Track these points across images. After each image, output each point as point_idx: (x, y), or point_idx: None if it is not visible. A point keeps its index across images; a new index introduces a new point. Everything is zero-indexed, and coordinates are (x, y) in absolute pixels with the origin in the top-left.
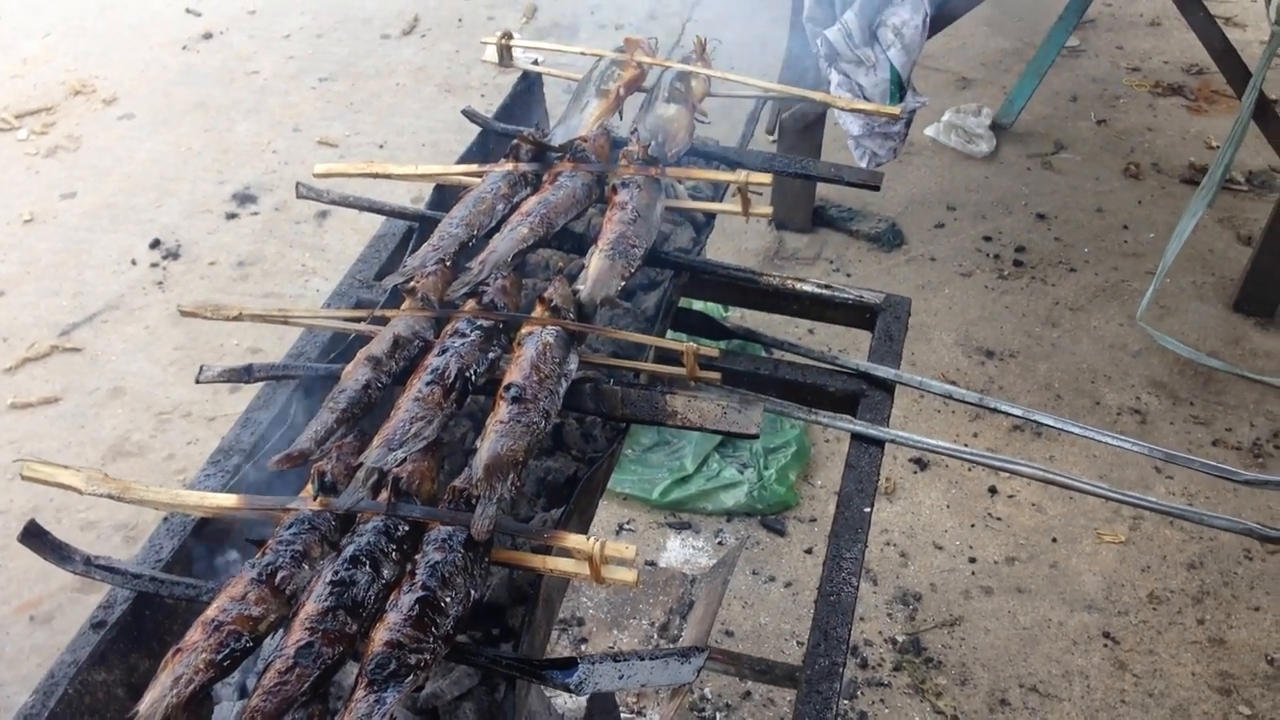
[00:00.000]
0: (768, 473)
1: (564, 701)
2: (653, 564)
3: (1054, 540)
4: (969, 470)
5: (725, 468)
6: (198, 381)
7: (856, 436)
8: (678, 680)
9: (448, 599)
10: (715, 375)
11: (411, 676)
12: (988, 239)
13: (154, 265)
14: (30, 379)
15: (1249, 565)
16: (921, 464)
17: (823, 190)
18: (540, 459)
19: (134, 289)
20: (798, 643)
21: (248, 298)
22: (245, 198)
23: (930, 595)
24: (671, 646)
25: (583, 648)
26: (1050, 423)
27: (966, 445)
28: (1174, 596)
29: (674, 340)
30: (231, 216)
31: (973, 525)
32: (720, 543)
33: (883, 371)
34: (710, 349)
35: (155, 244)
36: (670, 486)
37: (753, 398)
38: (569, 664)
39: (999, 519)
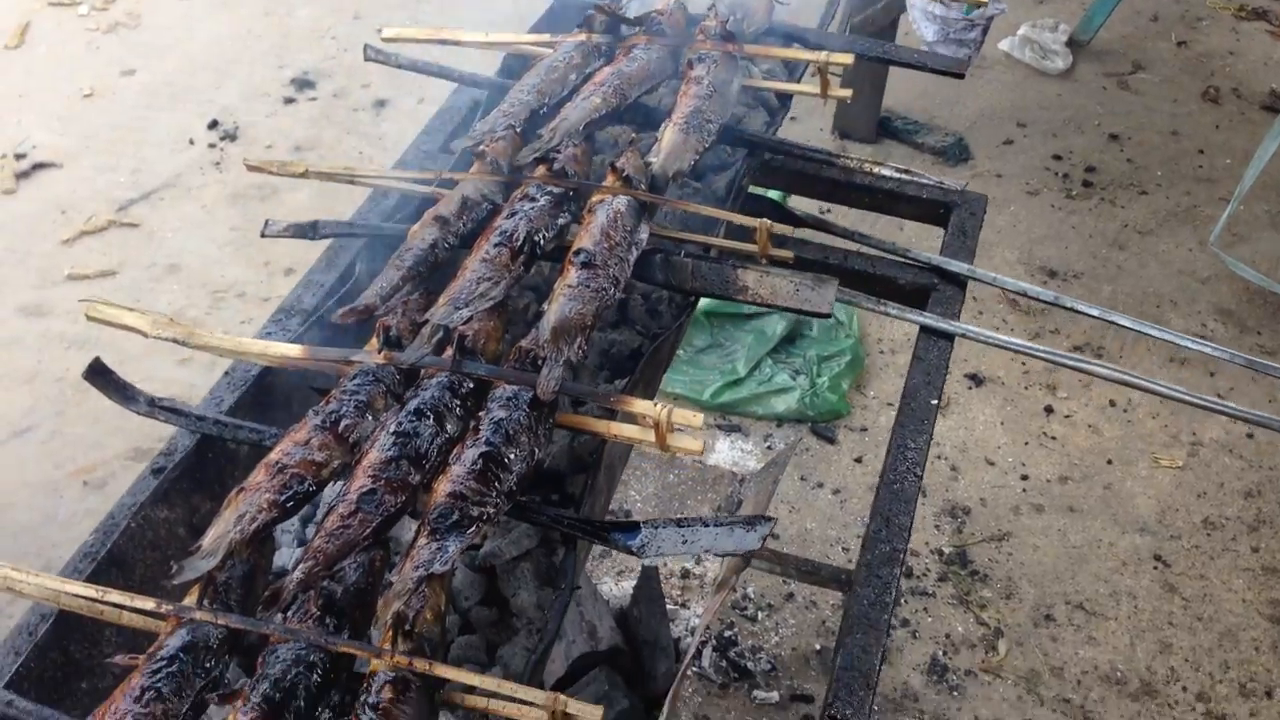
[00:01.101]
0: (820, 380)
1: (609, 589)
2: (700, 463)
3: (1109, 462)
4: (1025, 389)
5: (778, 373)
6: (264, 235)
7: (926, 330)
8: (742, 547)
9: (511, 455)
10: (788, 254)
11: (474, 528)
12: (1057, 158)
13: (211, 146)
14: (87, 252)
15: None
16: (977, 380)
17: (889, 101)
18: (604, 331)
19: (191, 168)
20: (843, 549)
21: (302, 181)
22: (304, 83)
23: (979, 510)
24: (736, 515)
25: None
26: (1128, 324)
27: (1026, 363)
28: (1229, 524)
29: (746, 216)
30: (289, 101)
31: (1026, 443)
32: (769, 447)
33: (956, 266)
34: (784, 227)
35: (213, 125)
36: (721, 389)
37: (826, 277)
38: (632, 527)
39: (1053, 438)
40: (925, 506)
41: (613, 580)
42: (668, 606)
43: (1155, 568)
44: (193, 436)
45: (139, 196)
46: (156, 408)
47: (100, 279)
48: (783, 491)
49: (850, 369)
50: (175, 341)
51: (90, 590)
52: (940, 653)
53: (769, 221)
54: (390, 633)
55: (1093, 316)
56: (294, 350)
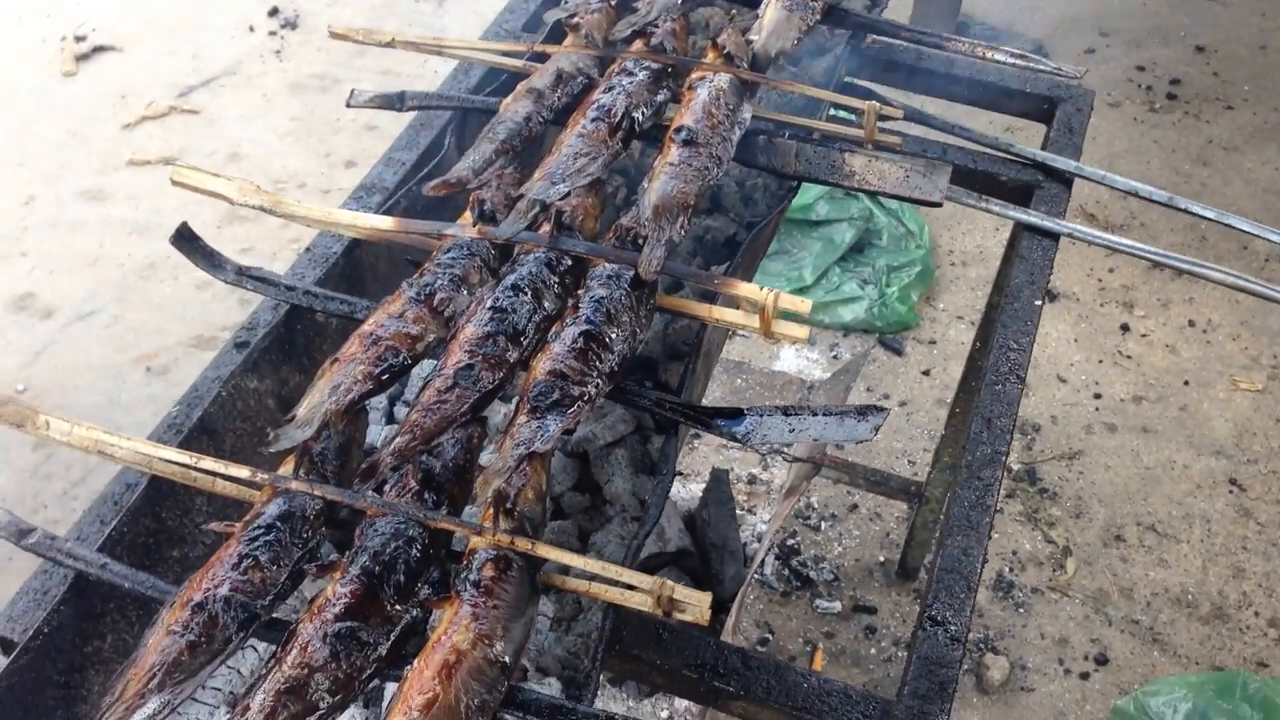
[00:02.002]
0: (889, 290)
1: (676, 491)
2: (767, 369)
3: (1186, 383)
4: (1100, 306)
5: (845, 281)
6: (349, 105)
7: (1029, 228)
8: (854, 437)
9: (612, 335)
10: (895, 139)
11: (574, 407)
12: (1140, 69)
13: (272, 34)
14: (148, 137)
15: None
16: (1051, 295)
17: (967, 6)
18: (698, 218)
19: (252, 56)
20: (909, 461)
21: (365, 73)
22: None
23: (1050, 427)
24: (847, 405)
25: (695, 444)
26: (1246, 227)
27: (1103, 280)
28: None
29: (853, 99)
30: None
31: (1100, 361)
32: (835, 357)
33: (1062, 163)
34: (893, 109)
35: (273, 12)
36: None
37: (939, 163)
38: (736, 413)
39: (1129, 357)
40: None
41: (680, 483)
42: (738, 513)
43: (1230, 491)
44: (278, 310)
45: (199, 83)
46: (245, 276)
47: (161, 165)
48: (848, 402)
49: (920, 280)
50: (262, 209)
51: (184, 456)
52: (1007, 569)
53: (877, 104)
54: (491, 510)
55: (1209, 218)
56: (385, 222)
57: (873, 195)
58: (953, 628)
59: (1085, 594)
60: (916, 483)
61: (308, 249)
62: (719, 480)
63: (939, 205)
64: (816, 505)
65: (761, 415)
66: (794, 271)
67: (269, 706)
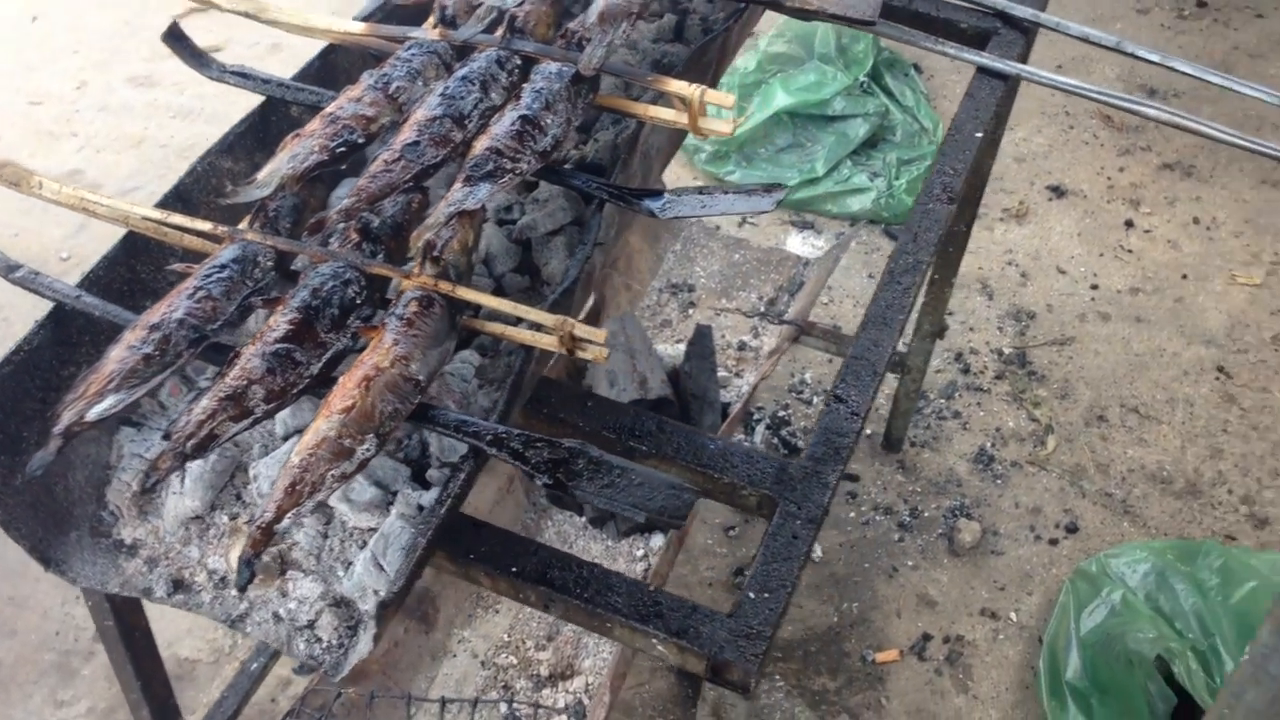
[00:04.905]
0: (898, 182)
1: (665, 350)
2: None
3: (1184, 276)
4: (1107, 203)
5: (856, 174)
6: None
7: (982, 70)
8: (757, 209)
9: (548, 120)
10: None
11: (506, 178)
12: None
13: None
14: (196, 28)
15: None
16: (1058, 191)
17: None
18: (658, 43)
19: None
20: (905, 345)
21: None
22: None
23: (1045, 315)
24: (755, 183)
25: (690, 312)
26: (1192, 71)
27: (1112, 178)
28: None
29: None
30: None
31: (1101, 255)
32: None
33: (1020, 10)
34: None
35: None
36: (799, 186)
37: None
38: (657, 193)
39: (1130, 251)
40: (991, 309)
41: (669, 345)
42: (723, 374)
43: (1217, 378)
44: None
45: None
46: (227, 72)
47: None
48: (850, 288)
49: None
50: (246, 15)
51: (156, 213)
52: (989, 444)
53: None
54: (420, 258)
55: (1153, 62)
56: (357, 27)
57: (882, 86)
58: (853, 404)
59: (1063, 469)
60: (900, 353)
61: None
62: (702, 335)
63: (872, 24)
64: (809, 380)
65: (679, 194)
66: (806, 164)
67: (211, 409)
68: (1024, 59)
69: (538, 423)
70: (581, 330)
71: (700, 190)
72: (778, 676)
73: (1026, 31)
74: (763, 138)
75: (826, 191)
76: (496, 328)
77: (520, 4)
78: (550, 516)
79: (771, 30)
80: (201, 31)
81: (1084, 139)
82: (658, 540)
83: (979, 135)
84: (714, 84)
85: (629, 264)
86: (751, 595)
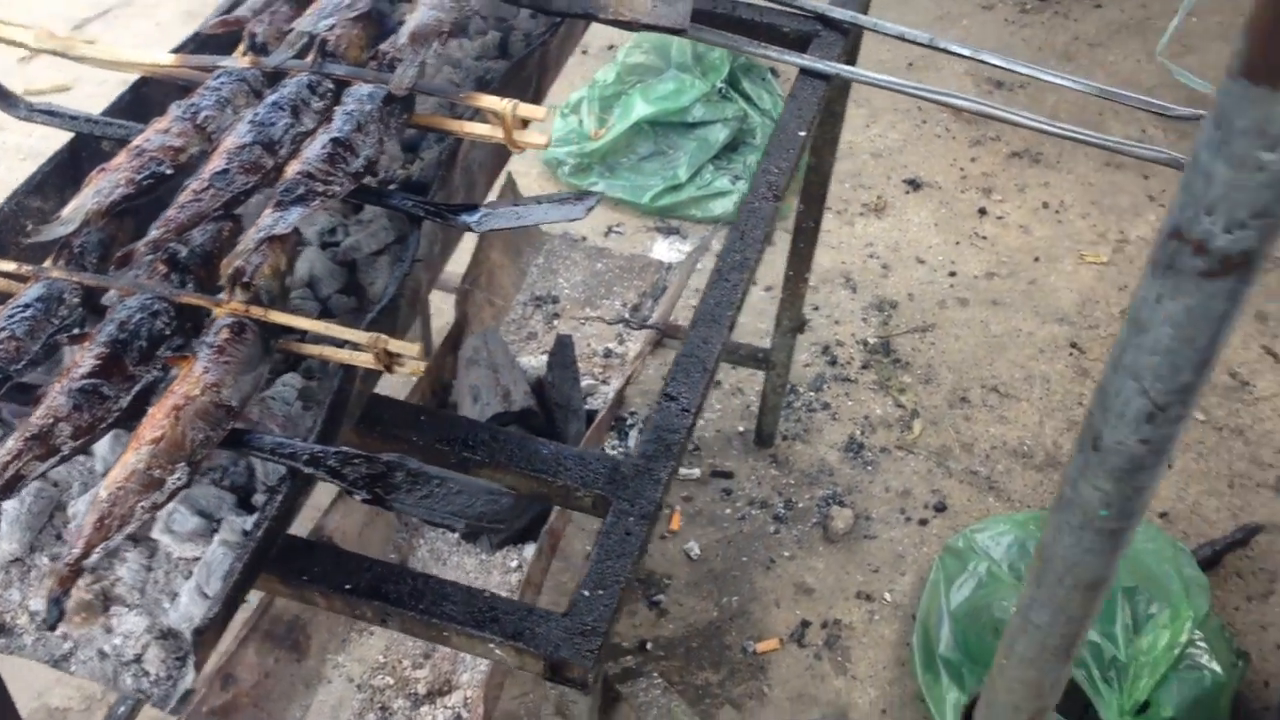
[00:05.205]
0: None
1: (529, 362)
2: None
3: (1036, 259)
4: (961, 192)
5: (718, 178)
6: None
7: (804, 71)
8: (570, 217)
9: (360, 141)
10: None
11: (317, 201)
12: None
13: None
14: (44, 68)
15: None
16: (914, 184)
17: None
18: (481, 60)
19: None
20: (768, 341)
21: None
22: None
23: (906, 303)
24: (568, 191)
25: (555, 323)
26: (999, 63)
27: (965, 169)
28: None
29: None
30: None
31: (957, 243)
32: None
33: (839, 13)
34: None
35: None
36: (662, 193)
37: None
38: (473, 207)
39: (984, 238)
40: (855, 301)
41: (535, 357)
42: (590, 382)
43: (1070, 354)
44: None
45: (95, 15)
46: (34, 111)
47: (54, 93)
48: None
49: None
50: (56, 54)
51: None
52: (858, 432)
53: None
54: (229, 285)
55: (965, 55)
56: (168, 58)
57: (740, 91)
58: (684, 401)
59: (929, 450)
60: (765, 349)
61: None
62: (563, 345)
63: (683, 31)
64: None
65: (494, 207)
66: (669, 171)
67: (16, 450)
68: (852, 59)
69: (372, 441)
70: (395, 345)
71: (515, 202)
72: (656, 675)
73: (846, 32)
74: (625, 148)
75: (690, 197)
76: (314, 349)
77: (331, 28)
78: (423, 535)
79: (629, 42)
80: (51, 71)
81: (936, 132)
82: (531, 550)
83: (802, 134)
84: (539, 97)
85: (491, 280)
86: (586, 593)
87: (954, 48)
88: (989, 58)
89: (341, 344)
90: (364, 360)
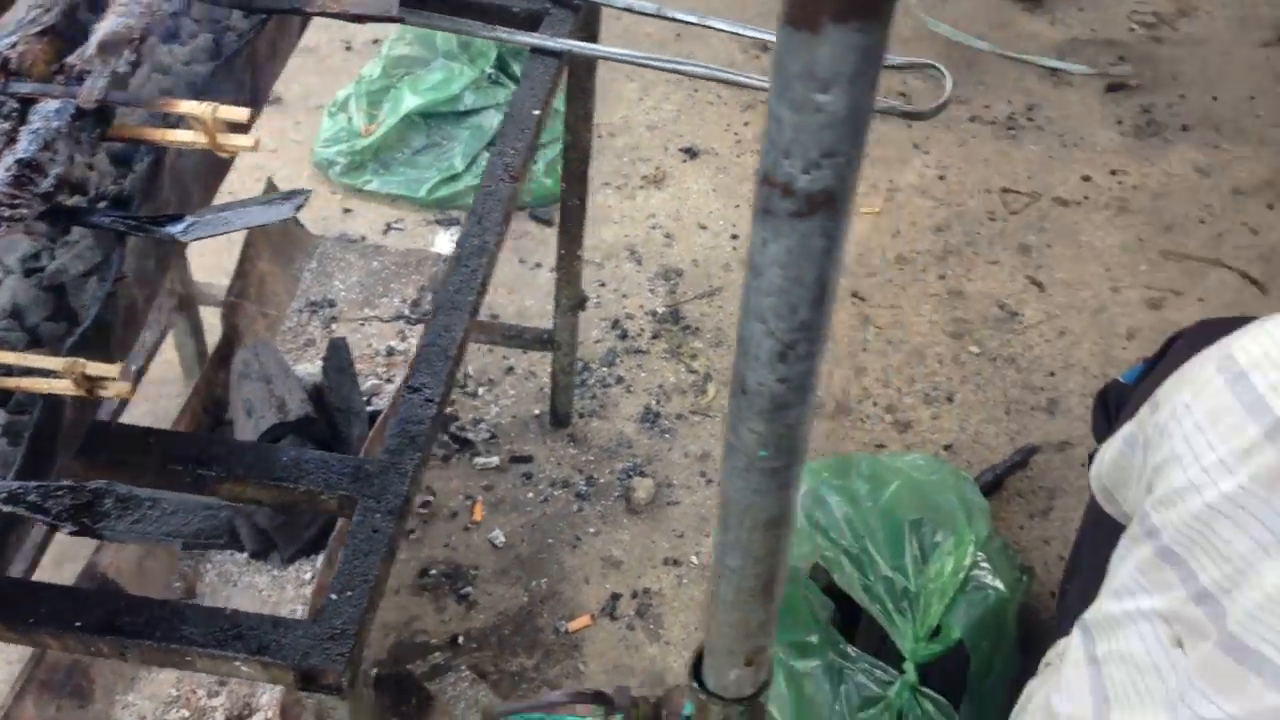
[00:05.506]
0: (536, 166)
1: (309, 368)
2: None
3: None
4: (737, 157)
5: None
6: None
7: (535, 50)
8: (279, 216)
9: (48, 160)
10: None
11: (5, 226)
12: None
13: None
14: None
15: (991, 225)
16: (691, 153)
17: None
18: (189, 64)
19: None
20: (554, 321)
21: None
22: None
23: (692, 270)
24: (278, 193)
25: (333, 327)
26: (722, 26)
27: (739, 133)
28: (920, 257)
29: None
30: None
31: (737, 206)
32: None
33: None
34: None
35: None
36: (438, 185)
37: None
38: (177, 218)
39: None
40: (641, 273)
41: (313, 364)
42: (375, 382)
43: (852, 303)
44: None
45: None
46: None
47: None
48: (502, 275)
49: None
50: None
51: None
52: (654, 402)
53: None
54: None
55: (691, 23)
56: None
57: (510, 75)
58: (428, 392)
59: (724, 413)
60: (548, 330)
61: None
62: (336, 348)
63: (399, 20)
64: (473, 373)
65: (201, 215)
66: (445, 162)
67: None
68: (592, 35)
69: (100, 470)
70: (94, 369)
71: (223, 207)
72: (464, 668)
73: (577, 9)
74: (398, 142)
75: (468, 186)
76: (9, 381)
77: (14, 45)
78: (210, 558)
79: (393, 34)
80: None
81: (709, 100)
82: (322, 560)
83: (536, 113)
84: (259, 98)
85: (261, 290)
86: (334, 596)
87: (680, 15)
88: (714, 23)
89: (47, 373)
90: (62, 387)
